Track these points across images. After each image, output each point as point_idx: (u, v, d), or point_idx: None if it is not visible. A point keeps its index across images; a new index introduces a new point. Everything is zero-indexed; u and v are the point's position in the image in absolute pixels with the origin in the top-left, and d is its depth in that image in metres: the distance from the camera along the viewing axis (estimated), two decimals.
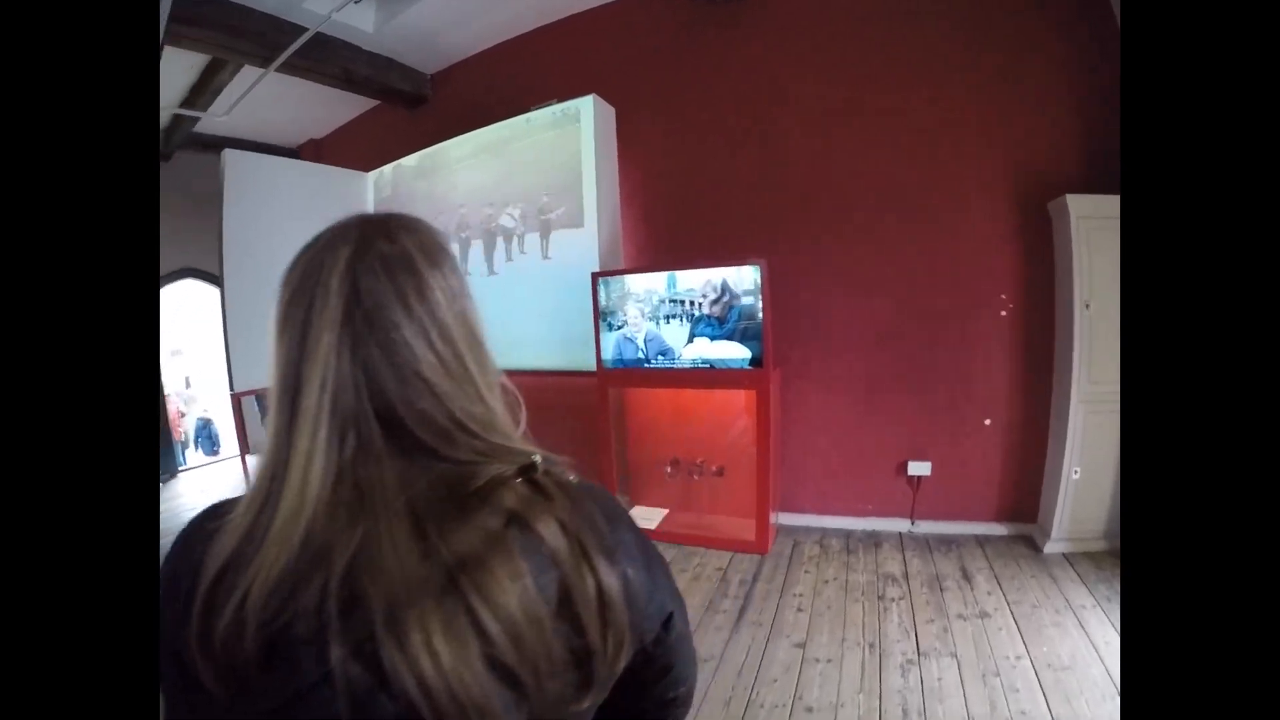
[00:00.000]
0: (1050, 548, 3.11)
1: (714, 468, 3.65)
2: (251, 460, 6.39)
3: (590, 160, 3.72)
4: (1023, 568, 3.01)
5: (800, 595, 2.93)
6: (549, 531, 0.47)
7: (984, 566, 3.05)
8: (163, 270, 6.03)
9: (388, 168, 4.98)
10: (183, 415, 7.08)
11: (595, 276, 3.54)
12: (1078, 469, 3.03)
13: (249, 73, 4.25)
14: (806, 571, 3.17)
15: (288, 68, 4.14)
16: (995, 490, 3.42)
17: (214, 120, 5.11)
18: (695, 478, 3.74)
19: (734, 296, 3.16)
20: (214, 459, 6.72)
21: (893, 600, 2.81)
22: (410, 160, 4.78)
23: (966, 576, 2.97)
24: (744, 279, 3.15)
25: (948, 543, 3.36)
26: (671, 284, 3.32)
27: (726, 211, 3.78)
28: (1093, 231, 2.90)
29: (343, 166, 5.30)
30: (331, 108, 5.50)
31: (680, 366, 3.40)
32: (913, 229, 3.37)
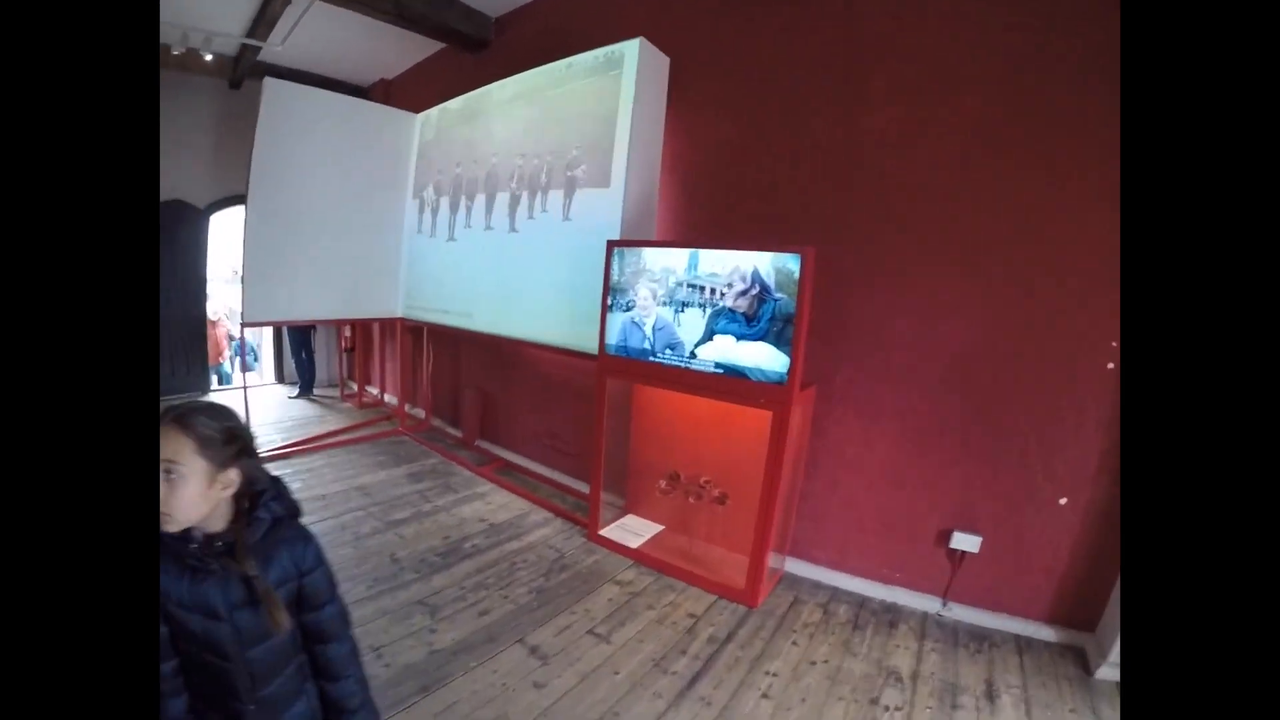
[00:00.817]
0: (1103, 673, 2.39)
1: (716, 493, 3.08)
2: (267, 390, 6.40)
3: (627, 112, 3.21)
4: (1064, 694, 2.30)
5: (774, 675, 2.35)
6: None
7: (1016, 685, 2.35)
8: (223, 194, 6.07)
9: (434, 110, 4.68)
10: (233, 339, 7.17)
11: (610, 245, 3.05)
12: None
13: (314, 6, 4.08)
14: (794, 643, 2.58)
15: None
16: (1054, 586, 2.68)
17: (282, 51, 5.05)
18: (691, 500, 3.18)
19: (766, 290, 2.57)
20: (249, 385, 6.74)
21: (886, 710, 2.18)
22: (455, 104, 4.46)
23: (990, 695, 2.29)
24: (782, 271, 2.54)
25: (980, 639, 2.66)
26: (693, 265, 2.77)
27: (787, 191, 3.16)
28: None
29: (409, 109, 5.07)
30: (401, 49, 5.37)
31: (691, 367, 2.84)
32: (1010, 242, 2.63)
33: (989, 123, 2.63)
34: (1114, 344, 2.49)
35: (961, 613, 2.83)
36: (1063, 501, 2.63)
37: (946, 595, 2.87)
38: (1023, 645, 2.62)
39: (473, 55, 4.82)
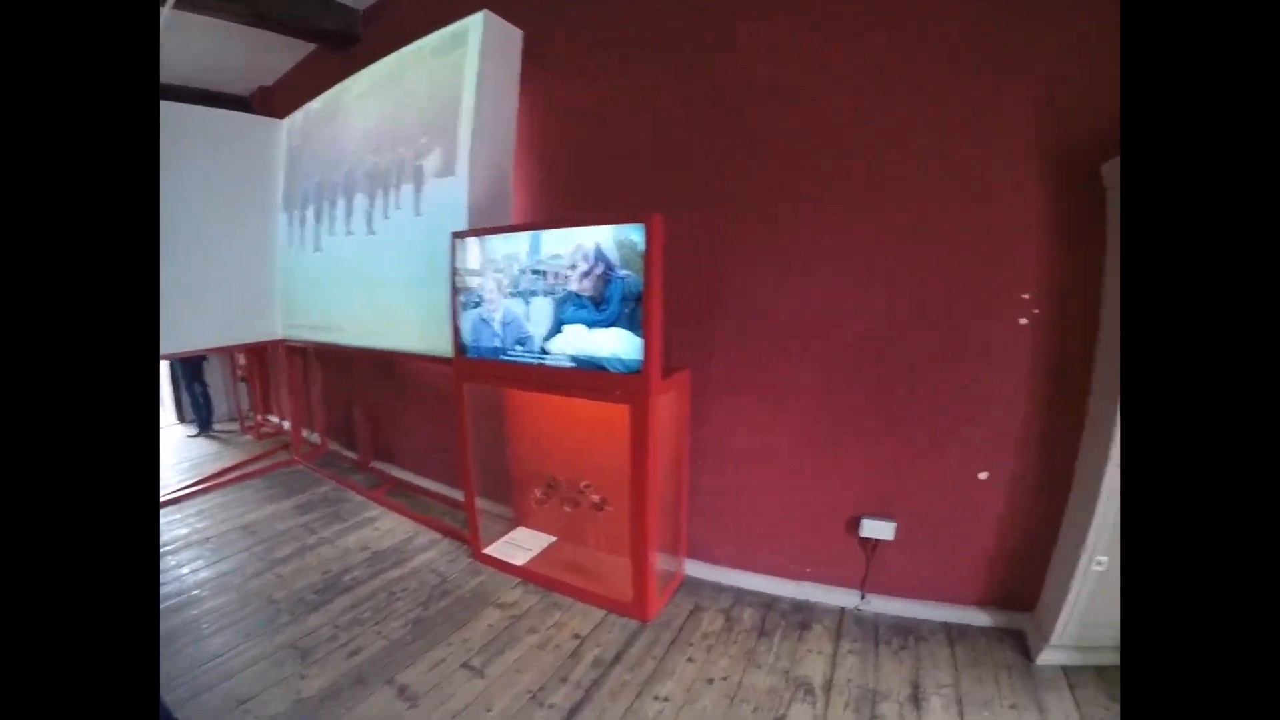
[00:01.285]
0: (1046, 657, 2.12)
1: (595, 498, 2.76)
2: (167, 432, 5.93)
3: (470, 92, 2.88)
4: (1002, 688, 2.02)
5: (665, 700, 2.04)
6: None
7: (947, 683, 2.07)
8: None
9: (299, 113, 4.32)
10: None
11: (455, 237, 2.73)
12: (1104, 557, 1.99)
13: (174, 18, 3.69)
14: (690, 659, 2.27)
15: (192, 6, 3.61)
16: (983, 567, 2.42)
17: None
18: (567, 509, 2.85)
19: (609, 268, 2.26)
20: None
21: None
22: (317, 104, 4.09)
23: (916, 699, 2.00)
24: (625, 244, 2.22)
25: (905, 633, 2.38)
26: (535, 248, 2.45)
27: (659, 162, 2.83)
28: None
29: (289, 115, 4.68)
30: (277, 54, 4.98)
31: (545, 363, 2.52)
32: (913, 199, 2.33)
33: (871, 72, 2.34)
34: (1025, 296, 2.21)
35: (883, 605, 2.55)
36: (983, 476, 2.37)
37: (864, 587, 2.58)
38: (954, 635, 2.35)
39: (345, 53, 4.47)
